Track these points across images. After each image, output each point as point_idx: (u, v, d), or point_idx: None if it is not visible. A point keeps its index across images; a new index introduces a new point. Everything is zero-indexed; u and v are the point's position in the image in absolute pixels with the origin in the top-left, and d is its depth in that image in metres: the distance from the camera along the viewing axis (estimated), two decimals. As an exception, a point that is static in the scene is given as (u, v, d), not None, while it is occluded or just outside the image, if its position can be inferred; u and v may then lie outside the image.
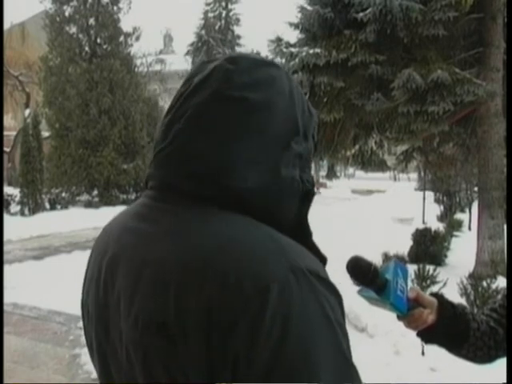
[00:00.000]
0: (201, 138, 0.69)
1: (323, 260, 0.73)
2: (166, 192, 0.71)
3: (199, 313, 0.59)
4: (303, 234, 0.75)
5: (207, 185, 0.68)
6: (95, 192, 18.73)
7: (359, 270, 0.95)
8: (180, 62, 27.44)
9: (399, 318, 1.05)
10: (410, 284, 1.03)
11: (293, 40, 8.03)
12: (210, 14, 30.43)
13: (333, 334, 0.60)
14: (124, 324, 0.67)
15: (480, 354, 1.12)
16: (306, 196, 0.75)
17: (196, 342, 0.59)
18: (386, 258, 7.19)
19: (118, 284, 0.69)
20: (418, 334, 1.11)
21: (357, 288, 1.04)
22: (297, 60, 7.23)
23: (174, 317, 0.60)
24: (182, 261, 0.63)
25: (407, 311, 1.02)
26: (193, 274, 0.61)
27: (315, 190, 0.78)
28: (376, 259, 6.39)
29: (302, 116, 0.75)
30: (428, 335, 1.09)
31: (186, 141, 0.69)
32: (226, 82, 0.70)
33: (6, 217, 11.97)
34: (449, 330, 1.08)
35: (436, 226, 10.01)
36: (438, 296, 1.11)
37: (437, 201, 16.17)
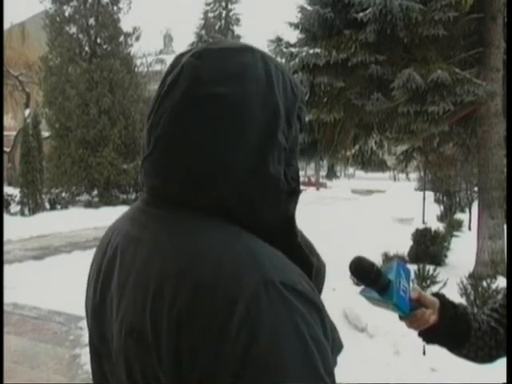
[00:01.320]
0: (180, 143, 0.66)
1: (309, 264, 0.71)
2: (155, 198, 0.71)
3: (171, 321, 0.58)
4: (289, 236, 0.72)
5: (190, 191, 0.66)
6: (95, 192, 18.73)
7: (362, 270, 0.95)
8: (180, 62, 27.39)
9: (401, 318, 1.05)
10: (411, 284, 1.03)
11: (293, 40, 8.03)
12: (210, 14, 30.45)
13: (305, 350, 0.56)
14: (114, 327, 0.67)
15: (481, 354, 1.12)
16: (292, 195, 0.71)
17: (167, 350, 0.58)
18: (386, 257, 7.19)
19: (112, 287, 0.70)
20: (420, 334, 1.11)
21: (358, 288, 1.04)
22: (297, 60, 7.23)
23: (150, 324, 0.60)
24: (160, 268, 0.62)
25: (409, 311, 1.03)
26: (168, 282, 0.60)
27: (301, 187, 0.75)
28: (376, 259, 6.39)
29: (285, 100, 0.70)
30: (429, 335, 1.09)
31: (167, 147, 0.67)
32: (194, 80, 0.66)
33: (6, 217, 11.97)
34: (450, 330, 1.09)
35: (436, 225, 10.01)
36: (440, 296, 1.11)
37: (437, 201, 16.17)
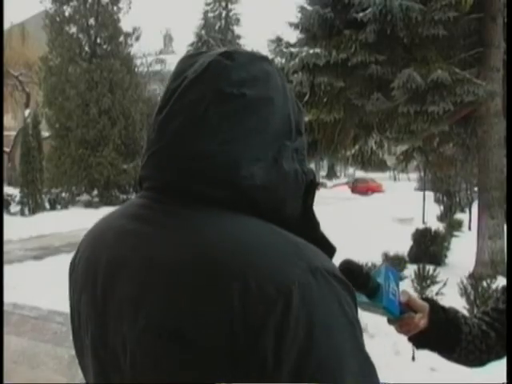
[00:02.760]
0: (202, 137, 0.66)
1: (333, 250, 0.73)
2: (168, 193, 0.69)
3: (220, 318, 0.57)
4: (311, 226, 0.74)
5: (213, 184, 0.66)
6: (95, 192, 18.75)
7: (350, 273, 0.94)
8: (180, 62, 27.39)
9: (390, 322, 1.05)
10: (401, 288, 1.03)
11: (293, 40, 8.05)
12: (210, 14, 30.47)
13: (353, 331, 0.61)
14: (129, 330, 0.64)
15: (472, 358, 1.11)
16: (309, 187, 0.73)
17: (218, 349, 0.57)
18: (386, 258, 7.19)
19: (119, 289, 0.67)
20: (410, 339, 1.11)
21: None
22: (297, 60, 7.24)
23: (191, 323, 0.58)
24: (196, 263, 0.61)
25: (399, 315, 1.02)
26: (209, 278, 0.59)
27: (317, 180, 0.77)
28: (376, 259, 6.39)
29: (294, 111, 0.74)
30: (419, 340, 1.09)
31: (187, 139, 0.67)
32: (225, 78, 0.68)
33: (6, 217, 11.97)
34: (440, 334, 1.08)
35: (436, 225, 10.02)
36: (430, 300, 1.11)
37: (437, 201, 16.17)
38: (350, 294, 0.63)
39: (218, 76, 0.68)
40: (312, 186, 0.74)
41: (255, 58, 0.73)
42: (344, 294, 0.62)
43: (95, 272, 0.71)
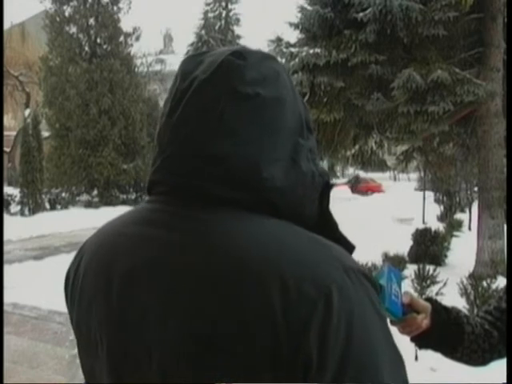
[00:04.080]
0: (219, 138, 0.65)
1: (352, 249, 0.74)
2: (184, 197, 0.66)
3: (263, 320, 0.56)
4: (330, 227, 0.74)
5: (233, 187, 0.64)
6: (95, 192, 18.74)
7: None
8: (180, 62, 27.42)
9: (392, 323, 1.05)
10: (403, 289, 1.03)
11: (293, 40, 8.04)
12: (210, 14, 30.43)
13: (384, 327, 0.62)
14: (156, 338, 0.62)
15: (475, 357, 1.11)
16: (325, 188, 0.73)
17: (261, 352, 0.56)
18: (386, 257, 7.19)
19: (142, 297, 0.64)
20: (412, 340, 1.10)
21: None
22: (297, 60, 7.24)
23: (227, 328, 0.57)
24: (226, 267, 0.59)
25: (402, 316, 1.02)
26: (247, 280, 0.58)
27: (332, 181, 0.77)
28: (376, 259, 6.39)
29: (303, 109, 0.74)
30: (422, 340, 1.09)
31: (203, 142, 0.65)
32: (238, 78, 0.66)
33: (6, 217, 11.97)
34: (443, 334, 1.08)
35: (436, 225, 10.01)
36: (432, 300, 1.11)
37: (437, 201, 16.19)
38: (377, 292, 0.65)
39: (231, 76, 0.66)
40: (327, 187, 0.74)
41: (265, 57, 0.72)
42: (373, 291, 0.63)
43: (109, 281, 0.68)
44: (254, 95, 0.66)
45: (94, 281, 0.71)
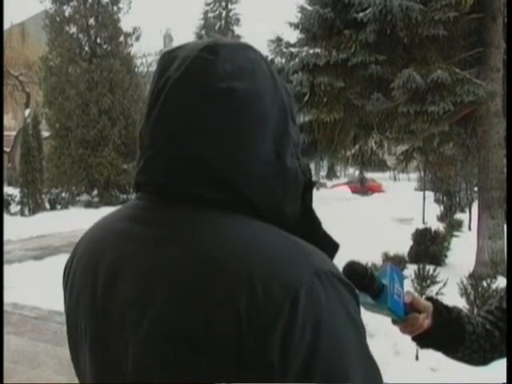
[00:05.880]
0: (197, 139, 0.64)
1: (336, 247, 0.73)
2: (167, 197, 0.67)
3: (227, 320, 0.56)
4: (313, 225, 0.73)
5: (212, 187, 0.64)
6: (95, 192, 18.75)
7: (356, 275, 0.94)
8: (180, 62, 27.44)
9: (394, 322, 1.05)
10: (405, 288, 1.04)
11: (293, 40, 8.04)
12: (210, 14, 30.47)
13: (358, 334, 0.61)
14: (132, 335, 0.63)
15: (476, 357, 1.11)
16: (307, 186, 0.72)
17: (226, 351, 0.56)
18: (386, 257, 7.19)
19: (121, 293, 0.65)
20: (414, 339, 1.11)
21: None
22: (297, 60, 7.24)
23: (198, 326, 0.57)
24: (201, 266, 0.60)
25: (404, 315, 1.02)
26: (215, 280, 0.58)
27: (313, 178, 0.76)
28: (376, 259, 6.39)
29: (286, 96, 0.70)
30: (423, 340, 1.09)
31: (181, 143, 0.64)
32: (211, 74, 0.64)
33: (6, 217, 11.97)
34: (444, 334, 1.08)
35: (436, 225, 10.01)
36: (433, 300, 1.11)
37: (437, 201, 16.18)
38: (354, 297, 0.63)
39: (203, 73, 0.65)
40: (309, 185, 0.72)
41: (239, 47, 0.69)
42: (348, 296, 0.62)
43: (95, 274, 0.69)
44: (229, 90, 0.64)
45: (83, 275, 0.72)
